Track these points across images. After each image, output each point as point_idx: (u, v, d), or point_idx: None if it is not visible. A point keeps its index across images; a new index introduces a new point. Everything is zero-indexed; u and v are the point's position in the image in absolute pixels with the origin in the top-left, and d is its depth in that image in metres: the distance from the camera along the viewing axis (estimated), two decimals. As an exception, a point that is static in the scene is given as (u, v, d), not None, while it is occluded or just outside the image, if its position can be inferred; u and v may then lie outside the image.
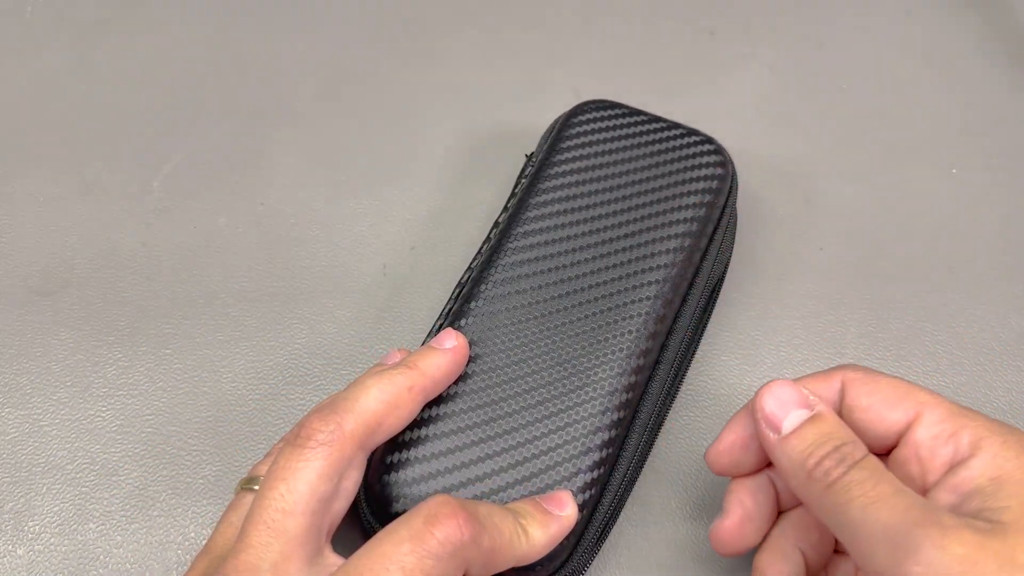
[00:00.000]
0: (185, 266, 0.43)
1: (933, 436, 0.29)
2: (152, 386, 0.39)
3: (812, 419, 0.30)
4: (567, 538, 0.31)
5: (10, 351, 0.40)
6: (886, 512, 0.26)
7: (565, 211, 0.37)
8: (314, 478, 0.28)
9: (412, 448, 0.32)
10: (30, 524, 0.36)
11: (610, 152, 0.39)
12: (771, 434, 0.30)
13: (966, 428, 0.29)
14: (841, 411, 0.31)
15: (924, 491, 0.29)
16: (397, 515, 0.30)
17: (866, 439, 0.30)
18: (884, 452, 0.31)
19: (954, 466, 0.28)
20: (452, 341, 0.33)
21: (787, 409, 0.30)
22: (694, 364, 0.40)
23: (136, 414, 0.39)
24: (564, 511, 0.31)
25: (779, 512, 0.33)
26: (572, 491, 0.32)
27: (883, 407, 0.30)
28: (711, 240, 0.38)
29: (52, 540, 0.36)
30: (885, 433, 0.30)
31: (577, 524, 0.31)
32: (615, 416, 0.33)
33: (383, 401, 0.30)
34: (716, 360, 0.41)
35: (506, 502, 0.31)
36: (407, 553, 0.25)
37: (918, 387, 0.31)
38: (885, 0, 0.54)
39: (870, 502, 0.26)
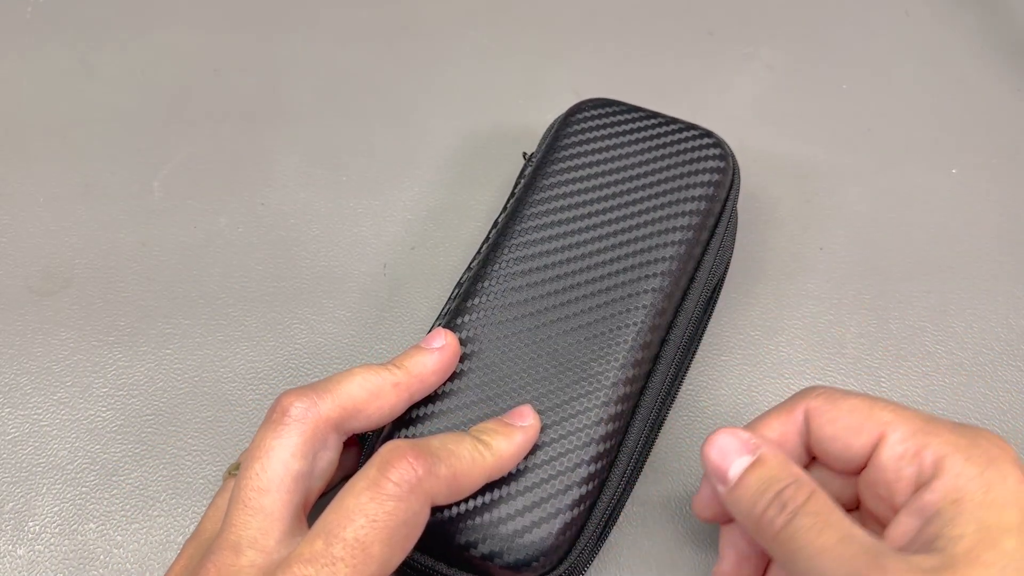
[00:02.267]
0: (185, 266, 0.43)
1: (897, 457, 0.29)
2: (152, 386, 0.39)
3: (753, 465, 0.29)
4: (565, 535, 0.31)
5: (10, 351, 0.40)
6: (831, 563, 0.26)
7: (564, 208, 0.37)
8: (287, 456, 0.28)
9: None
10: (30, 524, 0.36)
11: (609, 149, 0.39)
12: (720, 487, 0.30)
13: (929, 446, 0.28)
14: (811, 442, 0.31)
15: (894, 512, 0.29)
16: None
17: (838, 466, 0.31)
18: (858, 473, 0.31)
19: (919, 487, 0.28)
20: (441, 340, 0.33)
21: (730, 459, 0.30)
22: (694, 364, 0.40)
23: (136, 414, 0.39)
24: (526, 422, 0.31)
25: None
26: (572, 483, 0.32)
27: (846, 434, 0.30)
28: (712, 233, 0.38)
29: (52, 540, 0.36)
30: (853, 459, 0.30)
31: (576, 521, 0.32)
32: (616, 408, 0.33)
33: (365, 389, 0.31)
34: (716, 360, 0.41)
35: (508, 497, 0.31)
36: (368, 501, 0.26)
37: (881, 404, 0.30)
38: (885, 0, 0.54)
39: (816, 553, 0.26)
